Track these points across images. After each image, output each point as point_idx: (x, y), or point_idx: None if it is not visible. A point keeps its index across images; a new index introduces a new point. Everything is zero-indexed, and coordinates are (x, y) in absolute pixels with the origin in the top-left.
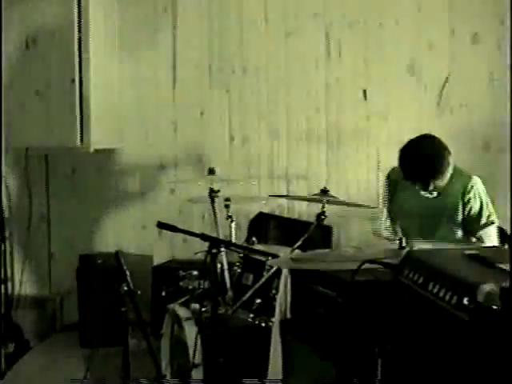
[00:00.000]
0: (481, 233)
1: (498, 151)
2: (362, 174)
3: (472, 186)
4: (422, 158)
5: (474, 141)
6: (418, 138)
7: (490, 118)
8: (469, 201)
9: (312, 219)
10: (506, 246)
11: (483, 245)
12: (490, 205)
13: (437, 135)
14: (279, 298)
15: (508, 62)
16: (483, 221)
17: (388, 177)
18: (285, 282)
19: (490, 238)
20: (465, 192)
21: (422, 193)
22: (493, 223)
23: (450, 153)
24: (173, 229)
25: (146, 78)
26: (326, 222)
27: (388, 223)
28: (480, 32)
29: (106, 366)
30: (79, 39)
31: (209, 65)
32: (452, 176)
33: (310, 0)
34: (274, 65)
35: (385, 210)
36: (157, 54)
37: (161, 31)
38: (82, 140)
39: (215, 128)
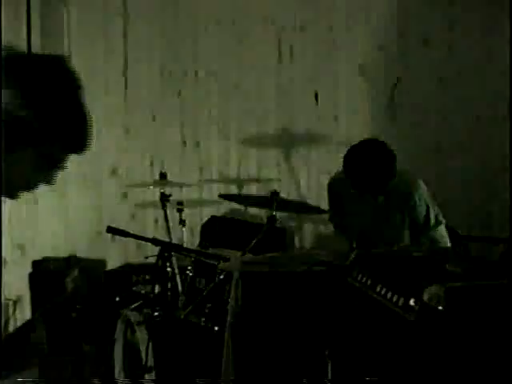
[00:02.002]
0: (432, 234)
1: (449, 152)
2: (313, 177)
3: (416, 190)
4: (367, 166)
5: (425, 142)
6: (360, 143)
7: (440, 120)
8: (414, 204)
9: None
10: (457, 247)
11: (436, 246)
12: (436, 206)
13: (388, 137)
14: (230, 301)
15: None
16: (432, 222)
17: (330, 184)
18: (236, 285)
19: (442, 237)
20: (410, 196)
21: (369, 197)
22: (441, 223)
23: (394, 156)
24: (123, 233)
25: (97, 82)
26: (280, 225)
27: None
28: (430, 35)
29: (58, 373)
30: (29, 45)
31: (160, 69)
32: (396, 179)
33: (262, 4)
34: (225, 68)
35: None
36: (108, 58)
37: (112, 35)
38: None
39: (167, 132)
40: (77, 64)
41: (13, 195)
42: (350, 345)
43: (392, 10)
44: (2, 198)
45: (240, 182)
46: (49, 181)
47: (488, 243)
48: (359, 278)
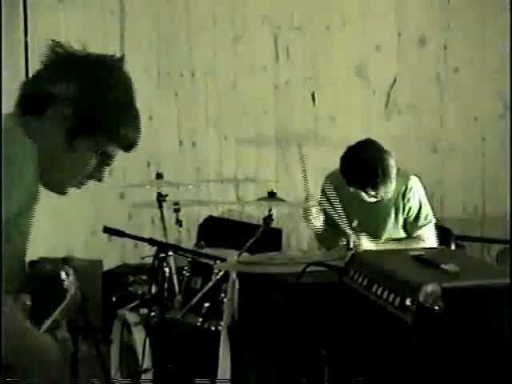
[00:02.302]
0: (419, 232)
1: (445, 152)
2: (310, 177)
3: (412, 186)
4: (366, 165)
5: (422, 142)
6: (357, 144)
7: (436, 120)
8: (408, 200)
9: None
10: (453, 247)
11: (422, 244)
12: (428, 204)
13: (385, 136)
14: (227, 301)
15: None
16: (421, 220)
17: (326, 182)
18: (232, 285)
19: (429, 237)
20: (405, 192)
21: (365, 198)
22: (430, 222)
23: (391, 156)
24: (119, 234)
25: None
26: (276, 225)
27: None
28: (426, 34)
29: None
30: (25, 44)
31: (157, 68)
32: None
33: (258, 4)
34: (222, 68)
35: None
36: None
37: (108, 34)
38: None
39: (164, 132)
40: None
41: (64, 191)
42: (346, 345)
43: (388, 10)
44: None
45: (237, 182)
46: (101, 178)
47: (484, 243)
48: (355, 278)
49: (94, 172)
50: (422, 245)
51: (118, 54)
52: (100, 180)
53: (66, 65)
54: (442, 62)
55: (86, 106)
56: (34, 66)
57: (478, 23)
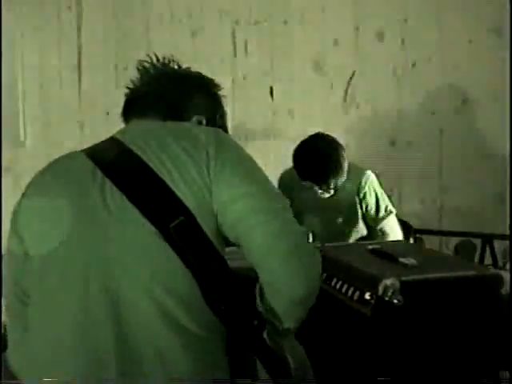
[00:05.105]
0: (382, 225)
1: (404, 146)
2: (269, 172)
3: (366, 181)
4: (317, 157)
5: (380, 136)
6: (310, 137)
7: (394, 114)
8: (365, 195)
9: None
10: (411, 240)
11: (387, 236)
12: (385, 196)
13: (343, 130)
14: None
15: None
16: (382, 213)
17: (280, 180)
18: None
19: (393, 228)
20: (359, 187)
21: (319, 192)
22: (391, 212)
23: (344, 150)
24: None
25: (50, 77)
26: None
27: None
28: (384, 29)
29: None
30: None
31: (115, 64)
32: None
33: None
34: (180, 62)
35: None
36: (61, 54)
37: (65, 30)
38: None
39: (122, 127)
40: (29, 60)
41: None
42: (307, 339)
43: (346, 4)
44: None
45: None
46: None
47: (442, 236)
48: None
49: None
50: (387, 239)
51: (76, 48)
52: None
53: (194, 80)
54: (399, 56)
55: (213, 114)
56: None
57: (435, 17)
